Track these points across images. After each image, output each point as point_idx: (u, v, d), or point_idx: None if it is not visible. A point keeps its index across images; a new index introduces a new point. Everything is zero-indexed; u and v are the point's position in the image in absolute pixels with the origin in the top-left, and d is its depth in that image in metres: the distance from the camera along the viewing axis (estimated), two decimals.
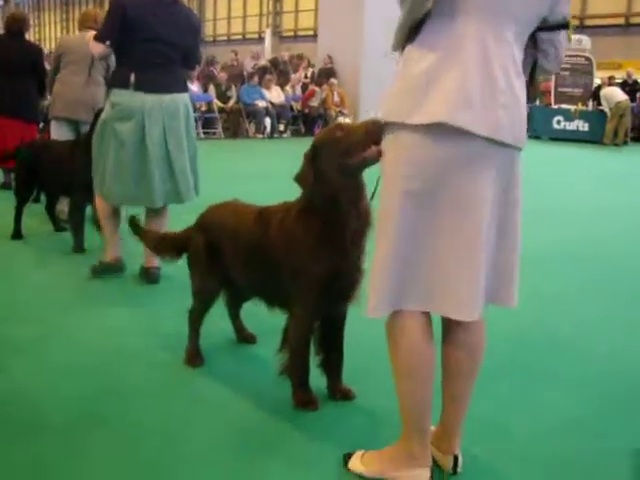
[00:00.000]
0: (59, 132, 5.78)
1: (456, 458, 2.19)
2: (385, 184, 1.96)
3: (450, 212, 1.87)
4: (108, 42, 3.88)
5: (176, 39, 3.93)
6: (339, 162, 2.33)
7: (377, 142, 2.26)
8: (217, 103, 13.98)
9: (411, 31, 1.88)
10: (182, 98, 4.02)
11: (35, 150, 5.16)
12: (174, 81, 3.99)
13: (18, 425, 2.45)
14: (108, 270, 4.08)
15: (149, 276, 4.05)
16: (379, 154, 2.25)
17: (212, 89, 14.18)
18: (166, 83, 3.92)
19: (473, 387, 2.14)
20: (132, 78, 3.83)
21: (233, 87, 14.42)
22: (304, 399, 2.61)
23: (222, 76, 14.54)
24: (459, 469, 2.19)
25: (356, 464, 2.20)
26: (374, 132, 2.24)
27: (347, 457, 2.24)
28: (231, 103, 14.18)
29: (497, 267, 1.98)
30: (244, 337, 3.25)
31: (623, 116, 15.27)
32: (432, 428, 2.27)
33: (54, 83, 5.89)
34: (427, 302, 1.96)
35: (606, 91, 15.57)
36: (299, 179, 2.45)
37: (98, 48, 3.94)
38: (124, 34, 3.81)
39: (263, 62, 16.16)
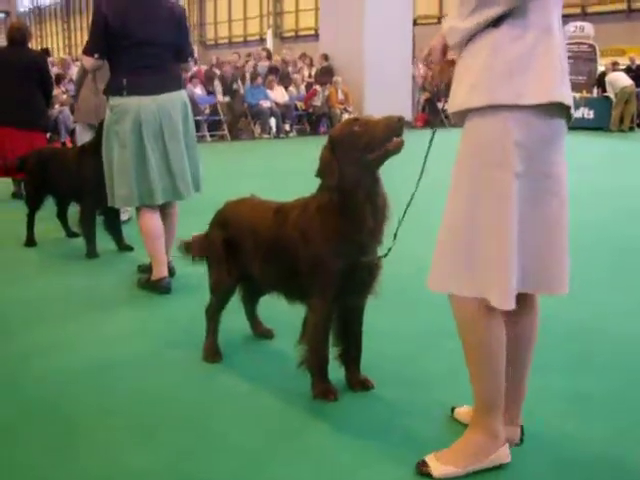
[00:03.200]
0: (83, 137, 5.90)
1: (522, 428, 2.23)
2: (481, 171, 1.91)
3: (549, 189, 1.92)
4: (97, 55, 3.89)
5: (162, 38, 3.92)
6: (360, 156, 2.37)
7: (398, 135, 2.31)
8: (222, 101, 13.96)
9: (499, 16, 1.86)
10: (178, 95, 4.01)
11: (43, 158, 5.19)
12: (167, 80, 3.97)
13: (42, 423, 2.49)
14: (154, 289, 4.00)
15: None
16: (401, 145, 2.31)
17: (217, 84, 14.18)
18: (159, 84, 3.91)
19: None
20: (124, 83, 3.85)
21: (239, 80, 14.44)
22: (323, 390, 2.63)
23: (227, 70, 14.54)
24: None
25: (441, 468, 2.09)
26: (396, 127, 2.31)
27: (421, 465, 2.12)
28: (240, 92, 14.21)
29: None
30: (261, 332, 3.27)
31: (628, 102, 15.19)
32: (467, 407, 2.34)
33: (80, 90, 6.03)
34: (535, 285, 2.02)
35: (611, 76, 15.48)
36: (322, 173, 2.47)
37: (88, 61, 3.97)
38: (111, 42, 3.84)
39: (267, 63, 16.18)
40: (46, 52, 13.25)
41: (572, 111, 1.92)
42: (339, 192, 2.42)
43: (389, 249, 2.46)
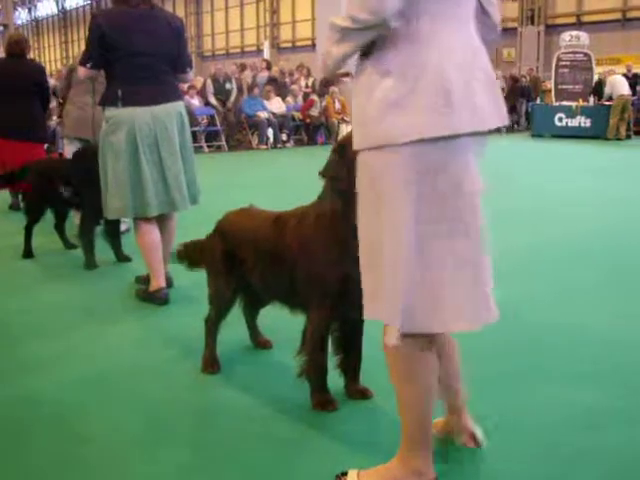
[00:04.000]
0: (71, 150, 5.86)
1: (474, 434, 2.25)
2: (376, 202, 1.84)
3: (457, 212, 1.81)
4: (89, 64, 3.92)
5: (159, 50, 3.92)
6: None
7: None
8: (215, 103, 14.01)
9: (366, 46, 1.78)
10: (174, 107, 4.00)
11: (47, 168, 5.17)
12: (164, 91, 3.96)
13: (44, 432, 2.48)
14: (152, 300, 4.00)
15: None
16: None
17: (209, 84, 14.21)
18: (155, 95, 3.91)
19: None
20: (119, 94, 3.85)
21: (233, 79, 14.47)
22: (322, 400, 2.62)
23: (219, 69, 14.57)
24: (482, 444, 2.26)
25: None
26: None
27: (341, 476, 2.12)
28: (232, 97, 14.20)
29: None
30: (260, 343, 3.27)
31: (624, 110, 15.26)
32: (440, 419, 2.30)
33: (66, 102, 6.00)
34: None
35: (612, 79, 15.49)
36: (330, 177, 2.44)
37: (81, 70, 4.01)
38: (107, 53, 3.85)
39: (267, 74, 16.22)
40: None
41: (479, 128, 1.78)
42: (347, 196, 2.40)
43: None
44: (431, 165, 1.77)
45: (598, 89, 16.01)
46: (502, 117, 1.85)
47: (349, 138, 2.44)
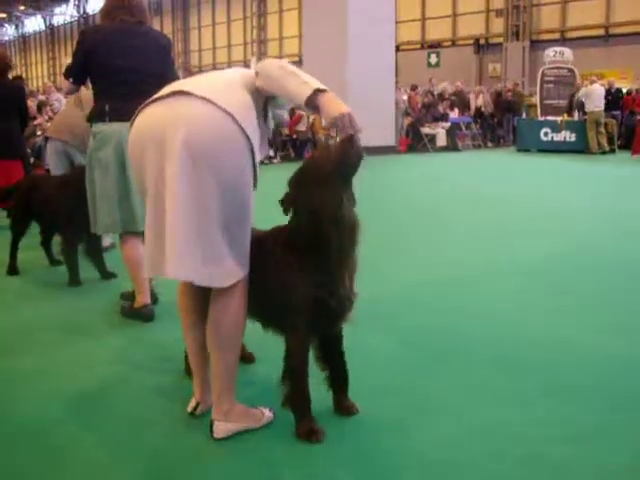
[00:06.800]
0: (50, 151, 6.00)
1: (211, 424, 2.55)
2: None
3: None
4: (71, 79, 3.96)
5: (146, 66, 3.93)
6: (323, 178, 2.38)
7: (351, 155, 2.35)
8: None
9: None
10: None
11: (33, 184, 5.14)
12: None
13: (25, 452, 2.45)
14: (137, 316, 3.98)
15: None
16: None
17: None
18: None
19: (225, 365, 2.50)
20: (106, 109, 3.86)
21: None
22: (307, 430, 2.53)
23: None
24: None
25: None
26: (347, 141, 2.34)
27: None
28: None
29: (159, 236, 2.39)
30: (243, 356, 3.23)
31: (599, 124, 15.41)
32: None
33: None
34: None
35: (589, 89, 15.62)
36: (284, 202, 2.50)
37: (64, 84, 4.05)
38: (94, 68, 3.87)
39: None
40: (20, 79, 13.16)
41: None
42: (306, 218, 2.41)
43: None
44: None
45: (580, 102, 16.10)
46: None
47: (305, 162, 2.50)
